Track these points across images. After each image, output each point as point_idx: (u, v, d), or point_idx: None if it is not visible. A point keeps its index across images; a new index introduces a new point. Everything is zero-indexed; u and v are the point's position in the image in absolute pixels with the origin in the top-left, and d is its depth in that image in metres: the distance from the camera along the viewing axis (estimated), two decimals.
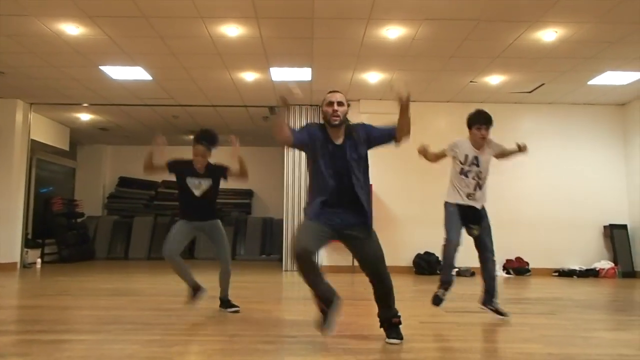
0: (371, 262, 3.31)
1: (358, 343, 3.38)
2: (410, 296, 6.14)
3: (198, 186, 4.33)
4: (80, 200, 12.04)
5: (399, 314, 3.37)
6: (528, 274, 8.60)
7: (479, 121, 4.20)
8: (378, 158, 8.47)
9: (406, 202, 8.67)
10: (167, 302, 5.00)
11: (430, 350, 3.22)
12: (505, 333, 3.80)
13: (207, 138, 4.37)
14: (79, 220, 11.63)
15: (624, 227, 8.76)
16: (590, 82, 7.77)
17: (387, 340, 3.29)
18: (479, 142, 4.20)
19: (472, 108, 8.62)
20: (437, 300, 4.26)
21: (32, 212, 10.74)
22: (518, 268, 8.63)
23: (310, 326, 3.93)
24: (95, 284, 6.94)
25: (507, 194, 8.82)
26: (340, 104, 3.28)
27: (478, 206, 4.22)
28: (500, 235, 8.44)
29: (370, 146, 3.38)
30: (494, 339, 3.58)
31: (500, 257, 8.64)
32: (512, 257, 8.76)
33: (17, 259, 9.00)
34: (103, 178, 13.00)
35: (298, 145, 3.37)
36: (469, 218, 4.19)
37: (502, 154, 4.40)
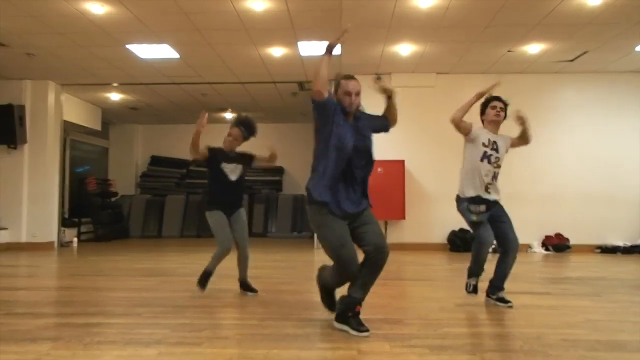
0: (377, 236, 3.11)
1: (392, 327, 3.26)
2: (444, 275, 5.99)
3: (234, 170, 4.32)
4: (114, 179, 12.22)
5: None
6: (568, 250, 8.29)
7: (493, 99, 3.98)
8: (410, 134, 8.33)
9: (440, 178, 8.39)
10: None
11: (467, 336, 3.08)
12: (548, 317, 3.61)
13: (247, 126, 4.35)
14: (113, 199, 11.82)
15: None
16: (638, 48, 7.29)
17: (355, 333, 3.02)
18: (496, 122, 3.95)
19: (509, 79, 8.38)
20: (473, 289, 4.04)
21: (69, 192, 10.97)
22: (557, 245, 8.34)
23: None
24: (129, 264, 7.01)
25: (546, 168, 8.51)
26: (357, 94, 3.14)
27: (493, 199, 3.90)
28: (539, 211, 8.38)
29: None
30: (535, 324, 3.40)
31: (539, 233, 8.51)
32: (552, 234, 8.47)
33: (55, 238, 9.20)
34: (135, 157, 13.14)
35: (326, 104, 3.08)
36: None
37: (519, 138, 4.05)
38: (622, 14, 6.01)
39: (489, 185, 3.87)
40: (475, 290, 4.01)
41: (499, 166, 3.92)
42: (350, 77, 3.18)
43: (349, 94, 3.11)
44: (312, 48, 7.24)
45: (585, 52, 7.50)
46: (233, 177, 4.31)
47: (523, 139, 4.04)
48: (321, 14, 6.06)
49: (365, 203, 3.18)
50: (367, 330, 3.01)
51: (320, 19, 6.24)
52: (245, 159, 4.42)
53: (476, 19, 6.26)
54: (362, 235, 3.08)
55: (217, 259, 4.28)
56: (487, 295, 4.00)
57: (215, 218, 4.27)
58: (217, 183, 4.33)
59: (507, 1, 5.69)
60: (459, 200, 3.97)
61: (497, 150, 3.90)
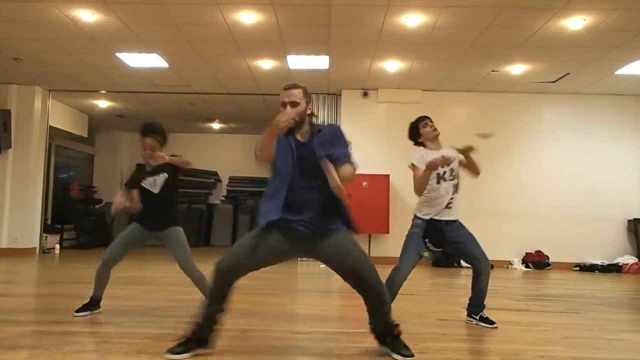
0: (354, 268, 2.87)
1: (374, 341, 3.26)
2: (426, 290, 6.03)
3: (153, 184, 3.85)
4: (99, 186, 12.13)
5: (396, 322, 2.98)
6: (548, 267, 8.41)
7: (419, 120, 3.81)
8: (396, 149, 8.40)
9: None
10: (180, 293, 4.97)
11: (447, 351, 3.12)
12: (527, 333, 3.67)
13: (156, 131, 3.82)
14: (97, 206, 11.72)
15: None
16: (617, 72, 7.50)
17: (396, 357, 2.86)
18: (436, 136, 3.78)
19: (492, 98, 8.56)
20: None
21: (52, 198, 10.86)
22: (537, 262, 8.45)
23: (325, 321, 3.86)
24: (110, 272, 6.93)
25: (527, 185, 8.66)
26: (293, 104, 2.76)
27: (453, 217, 3.76)
28: (519, 228, 8.51)
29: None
30: (514, 340, 3.45)
31: (519, 249, 8.61)
32: (532, 251, 8.59)
33: (36, 244, 9.10)
34: (121, 165, 13.06)
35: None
36: (437, 237, 3.75)
37: (467, 168, 3.80)
38: (601, 38, 6.19)
39: (451, 201, 3.73)
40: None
41: (454, 177, 3.73)
42: (288, 87, 2.83)
43: (283, 105, 2.79)
44: (300, 61, 7.33)
45: (566, 74, 7.69)
46: (155, 190, 3.83)
47: (471, 171, 3.80)
48: (310, 28, 6.15)
49: (329, 225, 2.84)
50: (410, 355, 2.84)
51: (309, 33, 6.32)
52: (171, 166, 3.85)
53: (462, 39, 6.40)
54: (337, 268, 2.90)
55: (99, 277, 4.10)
56: (469, 315, 3.92)
57: (126, 230, 3.96)
58: (142, 200, 3.91)
59: (492, 22, 5.84)
60: (416, 219, 3.81)
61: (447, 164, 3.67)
